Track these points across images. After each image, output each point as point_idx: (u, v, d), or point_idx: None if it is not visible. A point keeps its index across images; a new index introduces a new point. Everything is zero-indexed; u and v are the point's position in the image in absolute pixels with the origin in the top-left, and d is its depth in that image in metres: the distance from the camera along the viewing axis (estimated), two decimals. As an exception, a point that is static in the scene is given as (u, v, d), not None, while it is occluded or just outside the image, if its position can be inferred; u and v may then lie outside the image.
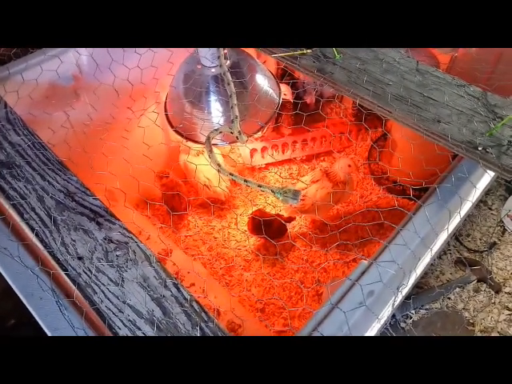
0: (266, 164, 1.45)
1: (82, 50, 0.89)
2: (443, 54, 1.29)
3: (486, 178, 0.74)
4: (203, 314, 0.56)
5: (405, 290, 0.60)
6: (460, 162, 0.77)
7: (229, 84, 0.76)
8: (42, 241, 0.63)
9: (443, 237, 0.65)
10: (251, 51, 0.97)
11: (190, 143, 0.96)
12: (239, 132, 0.73)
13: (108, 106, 0.87)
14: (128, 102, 0.86)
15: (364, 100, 0.81)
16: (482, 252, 1.26)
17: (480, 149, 0.71)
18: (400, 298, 0.59)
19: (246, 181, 0.70)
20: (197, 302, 0.57)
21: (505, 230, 1.32)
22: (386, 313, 0.56)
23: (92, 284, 0.58)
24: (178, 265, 1.15)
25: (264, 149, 1.44)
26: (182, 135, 0.96)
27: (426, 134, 0.76)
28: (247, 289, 1.18)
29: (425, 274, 1.22)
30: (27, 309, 0.60)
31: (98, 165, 0.75)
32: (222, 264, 1.23)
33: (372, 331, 0.55)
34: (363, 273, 0.59)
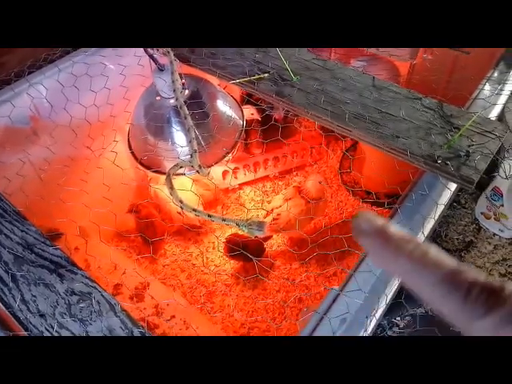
0: (240, 184, 1.44)
1: (35, 93, 0.87)
2: (402, 62, 1.31)
3: (448, 190, 0.74)
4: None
5: (377, 314, 0.59)
6: (423, 175, 0.77)
7: (185, 118, 0.75)
8: (1, 300, 0.61)
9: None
10: (212, 78, 0.96)
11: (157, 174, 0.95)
12: (199, 166, 0.72)
13: (66, 148, 0.85)
14: (87, 141, 0.84)
15: (323, 121, 0.81)
16: (460, 251, 1.27)
17: (439, 162, 0.72)
18: (374, 322, 0.58)
19: (210, 216, 0.69)
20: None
21: (480, 227, 1.33)
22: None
23: (55, 342, 0.56)
24: (156, 297, 1.12)
25: (236, 169, 1.43)
26: (148, 168, 0.95)
27: (386, 150, 0.76)
28: (229, 314, 1.16)
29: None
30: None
31: (59, 211, 0.73)
32: (203, 291, 1.21)
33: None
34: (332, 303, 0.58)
